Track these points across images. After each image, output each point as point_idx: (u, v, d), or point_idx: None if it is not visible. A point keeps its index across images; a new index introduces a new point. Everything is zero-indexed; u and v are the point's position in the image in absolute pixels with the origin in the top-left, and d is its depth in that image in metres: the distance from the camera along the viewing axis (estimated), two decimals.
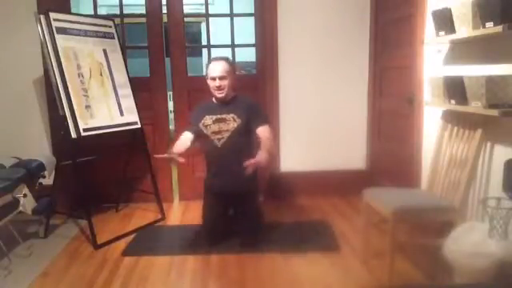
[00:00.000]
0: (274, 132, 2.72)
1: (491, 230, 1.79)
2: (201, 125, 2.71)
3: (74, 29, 2.89)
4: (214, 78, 2.66)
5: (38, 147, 3.36)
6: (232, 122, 2.66)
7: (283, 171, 3.66)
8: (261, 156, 2.42)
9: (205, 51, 3.91)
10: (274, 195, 3.54)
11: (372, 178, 3.52)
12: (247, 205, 2.73)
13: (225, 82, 2.65)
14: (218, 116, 2.69)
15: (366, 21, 3.53)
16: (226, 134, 2.66)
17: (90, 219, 2.75)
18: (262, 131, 2.61)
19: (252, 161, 2.37)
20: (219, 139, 2.68)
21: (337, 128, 3.65)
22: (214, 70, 2.66)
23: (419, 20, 2.64)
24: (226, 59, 2.75)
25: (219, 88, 2.66)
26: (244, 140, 2.63)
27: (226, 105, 2.72)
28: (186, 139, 2.71)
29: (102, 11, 4.61)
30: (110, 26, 3.19)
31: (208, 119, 2.71)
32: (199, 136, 2.73)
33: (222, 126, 2.67)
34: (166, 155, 2.56)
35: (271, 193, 3.54)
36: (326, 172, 3.64)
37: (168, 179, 3.65)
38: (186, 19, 3.57)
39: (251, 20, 3.59)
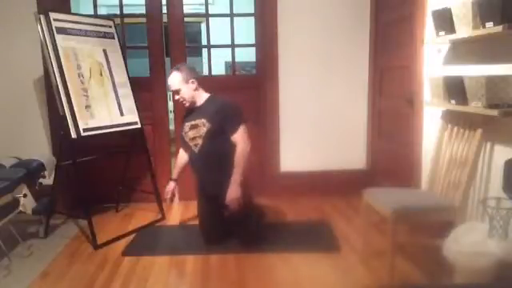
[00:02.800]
0: (248, 131, 2.63)
1: (491, 229, 1.79)
2: (183, 133, 2.72)
3: (74, 29, 2.89)
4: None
5: (38, 147, 3.36)
6: (202, 127, 2.61)
7: (283, 171, 3.66)
8: (232, 191, 2.47)
9: (205, 51, 3.90)
10: (273, 195, 3.54)
11: (372, 177, 3.52)
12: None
13: (181, 94, 2.65)
14: (192, 122, 2.67)
15: (366, 21, 3.53)
16: (200, 140, 2.63)
17: (90, 219, 2.75)
18: (236, 138, 2.57)
19: (230, 204, 2.47)
20: (196, 145, 2.65)
21: (337, 128, 3.65)
22: (169, 84, 2.68)
23: (419, 20, 2.64)
24: (177, 69, 2.68)
25: (178, 101, 2.68)
26: (219, 143, 2.58)
27: (198, 110, 2.70)
28: (181, 158, 2.84)
29: (102, 11, 4.61)
30: (110, 26, 3.19)
31: (186, 126, 2.71)
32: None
33: (195, 132, 2.64)
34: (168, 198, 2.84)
35: (271, 193, 3.54)
36: (325, 172, 3.64)
37: (168, 179, 3.63)
38: (185, 19, 3.57)
39: (251, 20, 3.58)
